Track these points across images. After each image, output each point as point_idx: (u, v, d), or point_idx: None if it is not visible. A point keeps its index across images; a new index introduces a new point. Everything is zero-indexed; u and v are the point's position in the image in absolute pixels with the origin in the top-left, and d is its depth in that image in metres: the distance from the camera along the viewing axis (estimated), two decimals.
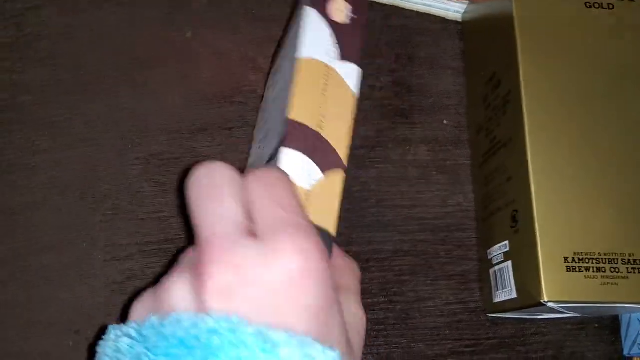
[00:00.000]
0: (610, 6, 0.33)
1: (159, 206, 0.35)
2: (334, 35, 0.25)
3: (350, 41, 0.25)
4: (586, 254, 0.28)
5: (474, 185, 0.37)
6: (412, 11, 0.41)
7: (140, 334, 0.18)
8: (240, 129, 0.37)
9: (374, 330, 0.35)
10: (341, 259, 0.25)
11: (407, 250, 0.36)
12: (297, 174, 0.22)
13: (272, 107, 0.30)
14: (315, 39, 0.24)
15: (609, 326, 0.36)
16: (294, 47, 0.25)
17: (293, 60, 0.25)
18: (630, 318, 0.34)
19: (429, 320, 0.35)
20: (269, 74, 0.37)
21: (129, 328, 0.19)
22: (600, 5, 0.33)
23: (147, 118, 0.37)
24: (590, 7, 0.33)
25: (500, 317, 0.35)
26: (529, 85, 0.31)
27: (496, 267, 0.33)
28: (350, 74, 0.24)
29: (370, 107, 0.39)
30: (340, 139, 0.23)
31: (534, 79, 0.31)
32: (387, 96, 0.39)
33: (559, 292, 0.28)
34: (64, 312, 0.33)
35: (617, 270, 0.28)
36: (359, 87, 0.24)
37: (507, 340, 0.35)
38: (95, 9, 0.39)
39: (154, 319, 0.18)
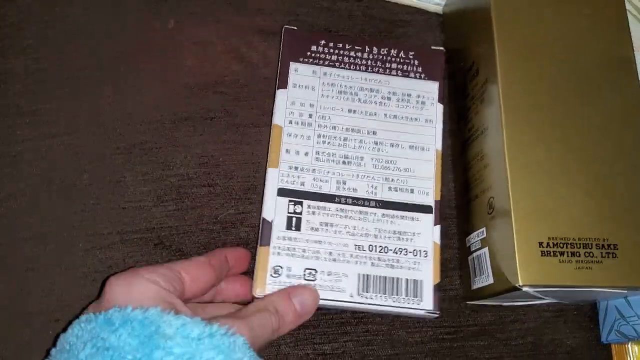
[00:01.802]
0: None
1: (140, 195, 0.35)
2: None
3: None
4: (561, 238, 0.29)
5: (454, 174, 0.38)
6: (394, 3, 0.42)
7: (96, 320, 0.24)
8: (222, 119, 0.37)
9: (355, 318, 0.35)
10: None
11: None
12: None
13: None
14: None
15: (587, 313, 0.37)
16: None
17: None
18: (607, 305, 0.35)
19: None
20: None
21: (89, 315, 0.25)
22: None
23: (129, 108, 0.37)
24: None
25: (480, 305, 0.36)
26: (505, 75, 0.31)
27: (474, 254, 0.33)
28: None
29: None
30: None
31: (511, 69, 0.31)
32: None
33: (533, 276, 0.28)
34: (44, 302, 0.33)
35: (591, 254, 0.29)
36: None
37: (486, 327, 0.36)
38: None
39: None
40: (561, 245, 0.29)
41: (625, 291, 0.29)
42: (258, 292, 0.31)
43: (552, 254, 0.28)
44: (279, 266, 0.31)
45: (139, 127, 0.37)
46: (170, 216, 0.35)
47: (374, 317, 0.35)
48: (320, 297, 0.31)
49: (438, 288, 0.32)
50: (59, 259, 0.34)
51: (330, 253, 0.32)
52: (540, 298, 0.31)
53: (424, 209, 0.33)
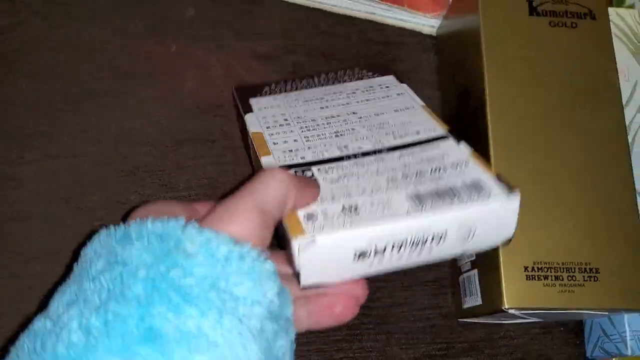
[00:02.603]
0: (574, 25, 0.35)
1: None
2: None
3: None
4: (545, 263, 0.30)
5: None
6: (389, 25, 0.43)
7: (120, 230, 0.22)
8: (223, 141, 0.39)
9: (350, 335, 0.36)
10: None
11: None
12: None
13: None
14: None
15: (574, 330, 0.38)
16: None
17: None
18: (592, 322, 0.36)
19: (403, 324, 0.37)
20: None
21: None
22: (564, 24, 0.35)
23: (132, 130, 0.38)
24: (555, 25, 0.35)
25: (470, 322, 0.37)
26: (494, 100, 0.32)
27: (464, 275, 0.34)
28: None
29: None
30: None
31: (500, 95, 0.33)
32: None
33: (518, 299, 0.29)
34: None
35: (574, 278, 0.30)
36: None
37: (477, 344, 0.37)
38: (84, 23, 0.41)
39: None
40: (545, 269, 0.30)
41: (607, 313, 0.30)
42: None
43: (536, 277, 0.30)
44: (311, 213, 0.25)
45: (142, 149, 0.38)
46: None
47: (368, 335, 0.36)
48: (373, 228, 0.24)
49: (499, 178, 0.26)
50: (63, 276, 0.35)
51: (364, 189, 0.26)
52: (526, 318, 0.32)
53: (439, 139, 0.30)
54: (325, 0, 0.42)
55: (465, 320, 0.36)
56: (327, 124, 0.32)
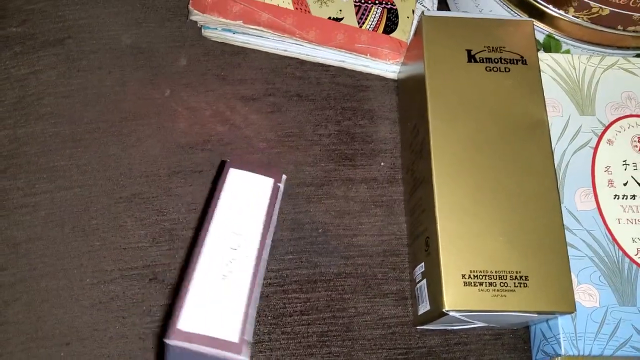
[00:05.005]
0: (507, 69, 0.41)
1: (138, 237, 0.42)
2: None
3: None
4: (480, 271, 0.35)
5: (405, 216, 0.44)
6: (356, 71, 0.49)
7: None
8: (209, 172, 0.44)
9: (320, 341, 0.41)
10: None
11: (349, 273, 0.43)
12: None
13: None
14: None
15: (522, 336, 0.42)
16: None
17: None
18: (535, 329, 0.41)
19: (367, 332, 0.41)
20: None
21: None
22: (499, 69, 0.41)
23: (131, 163, 0.44)
24: (490, 70, 0.41)
25: (428, 329, 0.41)
26: (436, 135, 0.38)
27: (418, 285, 0.39)
28: None
29: (319, 151, 0.46)
30: None
31: (441, 130, 0.38)
32: (333, 142, 0.46)
33: (457, 302, 0.34)
34: (57, 328, 0.40)
35: (506, 284, 0.35)
36: None
37: (434, 349, 0.42)
38: (90, 73, 0.47)
39: None
40: (480, 276, 0.35)
41: (536, 315, 0.35)
42: None
43: (472, 284, 0.35)
44: None
45: (139, 180, 0.44)
46: (163, 255, 0.42)
47: (336, 341, 0.41)
48: None
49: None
50: (69, 291, 0.40)
51: None
52: (470, 322, 0.37)
53: None
54: (300, 50, 0.48)
55: (423, 327, 0.41)
56: None
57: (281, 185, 0.30)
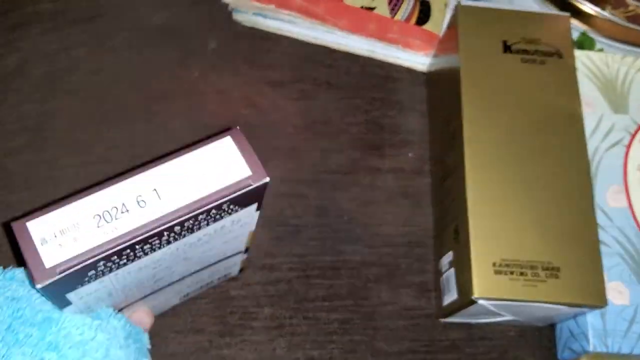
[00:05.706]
0: (542, 62, 0.40)
1: None
2: None
3: None
4: (512, 260, 0.34)
5: (432, 207, 0.44)
6: (385, 62, 0.49)
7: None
8: None
9: (341, 328, 0.40)
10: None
11: (373, 261, 0.42)
12: None
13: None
14: None
15: (547, 335, 0.42)
16: None
17: None
18: (562, 325, 0.40)
19: (389, 321, 0.41)
20: None
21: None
22: (534, 61, 0.40)
23: (157, 143, 0.44)
24: (526, 62, 0.40)
25: (452, 322, 0.41)
26: (469, 123, 0.38)
27: (444, 275, 0.39)
28: None
29: (346, 139, 0.46)
30: None
31: (474, 118, 0.38)
32: (361, 131, 0.46)
33: (487, 290, 0.34)
34: None
35: (537, 275, 0.34)
36: None
37: (457, 343, 0.41)
38: (120, 52, 0.47)
39: None
40: (512, 265, 0.34)
41: (565, 308, 0.34)
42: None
43: (504, 272, 0.34)
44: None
45: None
46: None
47: (357, 329, 0.40)
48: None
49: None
50: None
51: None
52: (497, 314, 0.36)
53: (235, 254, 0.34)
54: (331, 39, 0.48)
55: (447, 320, 0.40)
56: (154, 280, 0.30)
57: (254, 185, 0.25)
